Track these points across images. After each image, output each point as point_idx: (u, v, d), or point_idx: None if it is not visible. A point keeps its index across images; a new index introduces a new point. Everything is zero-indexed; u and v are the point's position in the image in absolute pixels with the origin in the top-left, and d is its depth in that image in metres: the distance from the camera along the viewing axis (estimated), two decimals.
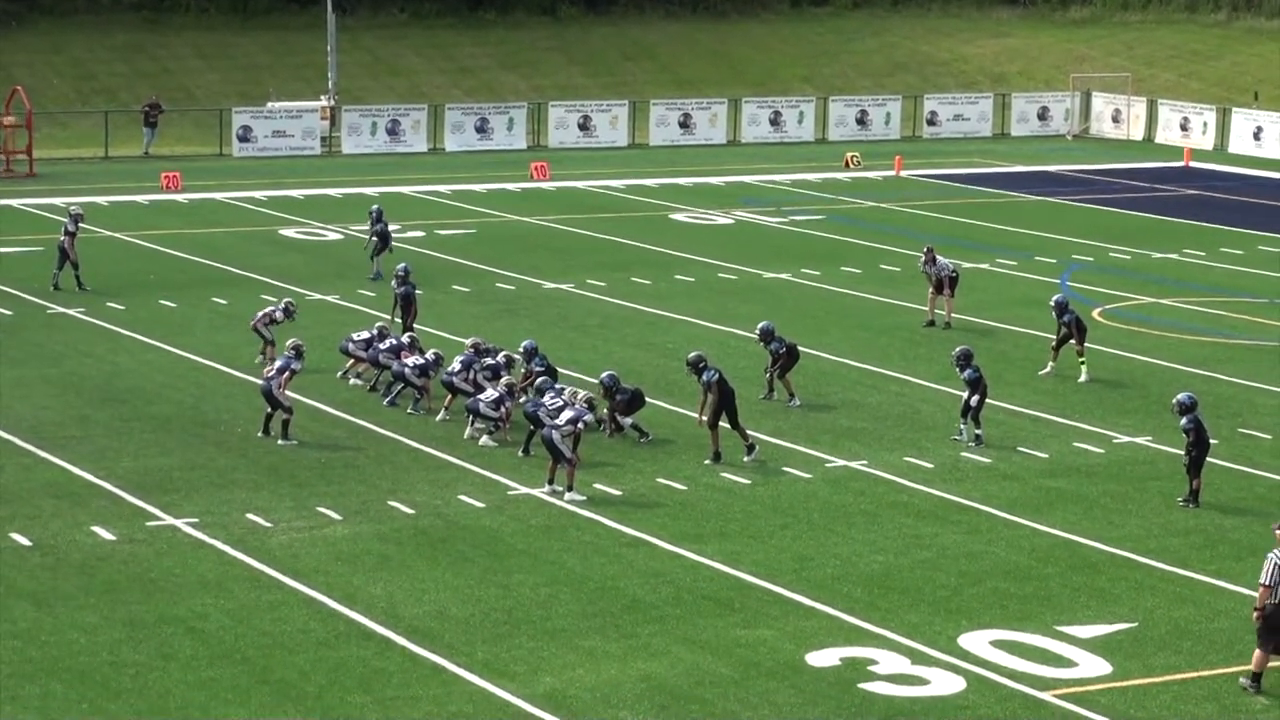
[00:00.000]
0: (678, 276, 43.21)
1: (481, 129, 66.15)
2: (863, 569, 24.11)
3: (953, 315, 38.19)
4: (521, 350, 31.05)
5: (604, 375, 29.88)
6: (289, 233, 48.83)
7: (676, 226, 50.85)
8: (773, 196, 56.16)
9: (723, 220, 51.89)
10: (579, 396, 27.76)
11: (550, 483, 26.90)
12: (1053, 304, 34.46)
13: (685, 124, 68.63)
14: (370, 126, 65.02)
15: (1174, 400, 27.20)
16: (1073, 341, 33.93)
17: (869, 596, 23.11)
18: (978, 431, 29.66)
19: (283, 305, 33.87)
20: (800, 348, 32.72)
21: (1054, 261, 45.86)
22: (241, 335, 35.83)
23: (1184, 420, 26.75)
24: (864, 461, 28.82)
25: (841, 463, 28.77)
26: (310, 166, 61.16)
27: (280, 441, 29.13)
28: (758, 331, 32.35)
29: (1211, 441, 27.27)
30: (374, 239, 42.26)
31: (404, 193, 55.05)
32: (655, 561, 24.27)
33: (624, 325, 38.02)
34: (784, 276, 43.46)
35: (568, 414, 26.92)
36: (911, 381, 33.73)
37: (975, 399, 29.57)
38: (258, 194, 54.85)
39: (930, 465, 28.66)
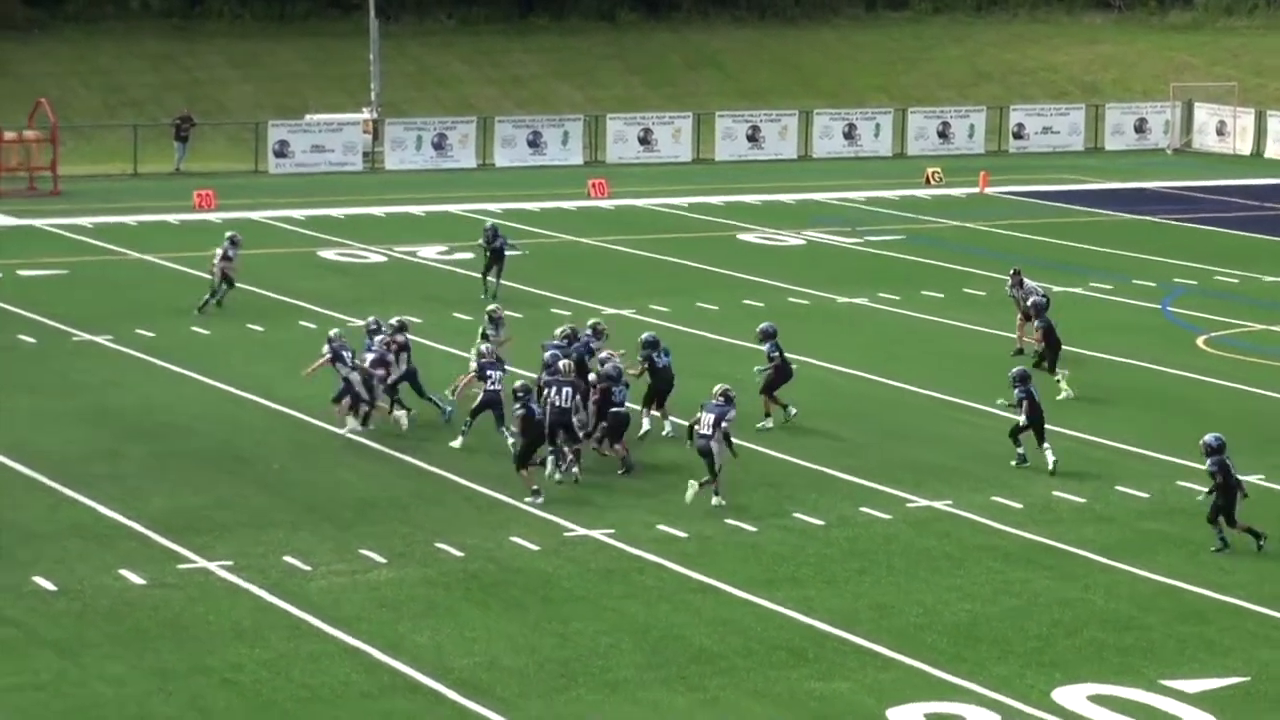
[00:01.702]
0: (746, 301, 43.18)
1: (534, 143, 66.33)
2: (948, 617, 23.99)
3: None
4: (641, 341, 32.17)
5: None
6: (329, 254, 49.02)
7: (744, 247, 50.85)
8: (847, 215, 56.10)
9: (793, 241, 51.85)
10: (609, 362, 29.75)
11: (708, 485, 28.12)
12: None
13: (753, 137, 68.67)
14: (415, 140, 65.29)
15: (1201, 441, 26.73)
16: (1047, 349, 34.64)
17: (954, 647, 22.99)
18: (1019, 451, 29.98)
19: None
20: (877, 378, 32.64)
21: (1154, 285, 45.65)
22: (279, 365, 35.93)
23: (1209, 462, 26.37)
24: (948, 501, 28.70)
25: (924, 502, 28.66)
26: (352, 183, 61.44)
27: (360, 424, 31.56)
28: (759, 331, 33.03)
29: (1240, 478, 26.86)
30: (487, 255, 42.93)
31: (451, 211, 55.19)
32: (723, 609, 24.20)
33: (689, 353, 37.93)
34: (860, 301, 43.38)
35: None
36: (998, 415, 33.57)
37: (1023, 420, 29.75)
38: (295, 213, 55.10)
39: (1020, 505, 28.52)
